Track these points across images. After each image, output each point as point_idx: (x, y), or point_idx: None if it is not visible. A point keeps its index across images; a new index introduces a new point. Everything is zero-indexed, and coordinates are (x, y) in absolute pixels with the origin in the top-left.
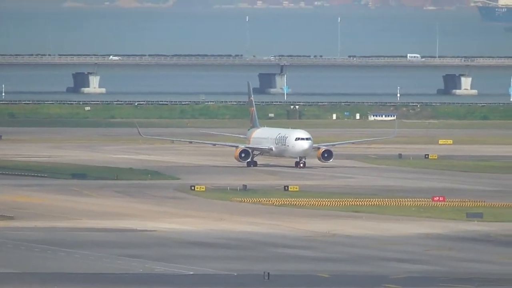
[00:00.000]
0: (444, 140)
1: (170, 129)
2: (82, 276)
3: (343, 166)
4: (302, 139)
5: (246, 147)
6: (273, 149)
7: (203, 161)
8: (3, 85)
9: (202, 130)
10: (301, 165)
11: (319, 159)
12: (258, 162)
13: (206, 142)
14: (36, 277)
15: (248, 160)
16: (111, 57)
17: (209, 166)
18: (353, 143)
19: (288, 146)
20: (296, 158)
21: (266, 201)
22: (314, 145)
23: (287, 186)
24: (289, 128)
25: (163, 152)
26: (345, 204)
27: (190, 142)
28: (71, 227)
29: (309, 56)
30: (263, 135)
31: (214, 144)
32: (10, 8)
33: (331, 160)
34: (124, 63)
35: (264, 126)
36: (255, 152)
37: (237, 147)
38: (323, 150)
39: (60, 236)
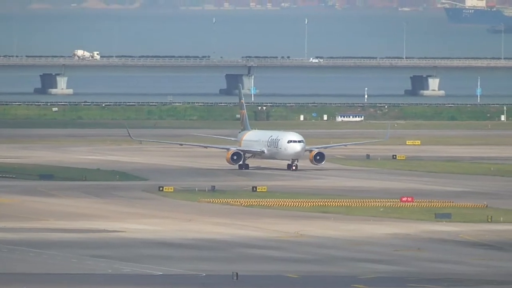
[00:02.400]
0: (412, 141)
1: (137, 130)
2: (50, 276)
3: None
4: (295, 141)
5: (238, 149)
6: (265, 151)
7: (170, 162)
8: None
9: (192, 132)
10: (294, 167)
11: (311, 161)
12: (249, 165)
13: (197, 144)
14: (4, 277)
15: (240, 162)
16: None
17: (177, 167)
18: (345, 145)
19: (280, 148)
20: (289, 160)
21: (235, 201)
22: (306, 147)
23: (255, 187)
24: (281, 130)
25: (131, 153)
26: (313, 204)
27: (181, 145)
28: (39, 227)
29: (276, 57)
30: (255, 138)
31: (206, 147)
32: None
33: (323, 163)
34: (92, 64)
35: (255, 129)
36: (246, 154)
37: (228, 149)
38: (316, 152)
39: (27, 237)
